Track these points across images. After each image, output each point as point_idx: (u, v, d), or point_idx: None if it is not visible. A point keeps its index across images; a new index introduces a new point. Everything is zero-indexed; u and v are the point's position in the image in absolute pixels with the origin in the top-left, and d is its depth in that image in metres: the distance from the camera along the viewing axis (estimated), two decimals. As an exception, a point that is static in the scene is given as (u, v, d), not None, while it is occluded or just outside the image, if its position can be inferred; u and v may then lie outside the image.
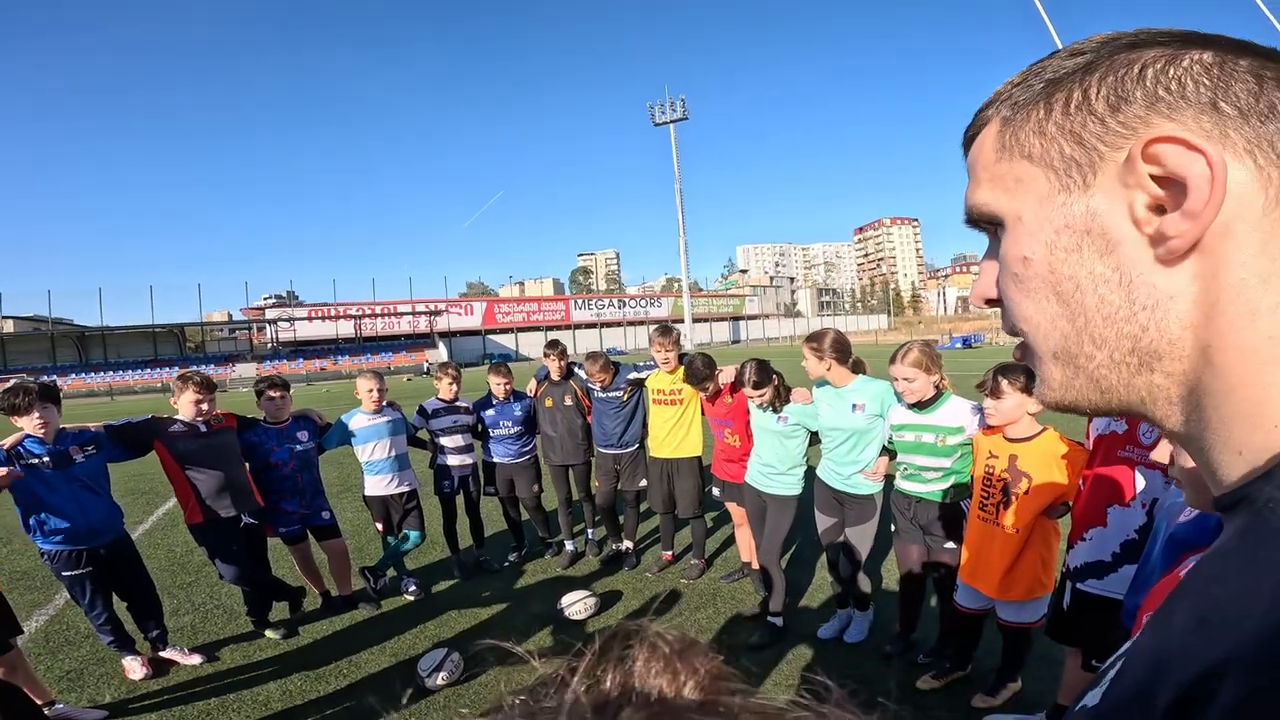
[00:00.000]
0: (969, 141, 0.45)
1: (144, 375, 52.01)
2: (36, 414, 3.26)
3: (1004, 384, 2.67)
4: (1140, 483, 2.29)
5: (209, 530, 3.80)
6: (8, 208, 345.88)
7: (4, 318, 57.29)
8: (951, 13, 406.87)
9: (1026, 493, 2.61)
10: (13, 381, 3.48)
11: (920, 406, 3.14)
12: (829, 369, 3.43)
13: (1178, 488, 1.05)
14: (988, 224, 0.44)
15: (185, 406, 3.78)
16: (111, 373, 51.97)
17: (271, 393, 4.17)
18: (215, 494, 3.79)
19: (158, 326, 58.45)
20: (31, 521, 3.31)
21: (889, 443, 3.38)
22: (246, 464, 4.06)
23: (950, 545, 3.14)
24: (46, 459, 3.31)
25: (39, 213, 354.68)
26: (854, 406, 3.43)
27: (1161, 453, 2.12)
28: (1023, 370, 2.64)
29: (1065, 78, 0.38)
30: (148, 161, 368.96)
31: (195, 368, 4.07)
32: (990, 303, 0.46)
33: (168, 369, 52.05)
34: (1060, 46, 0.41)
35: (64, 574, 3.40)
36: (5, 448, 3.22)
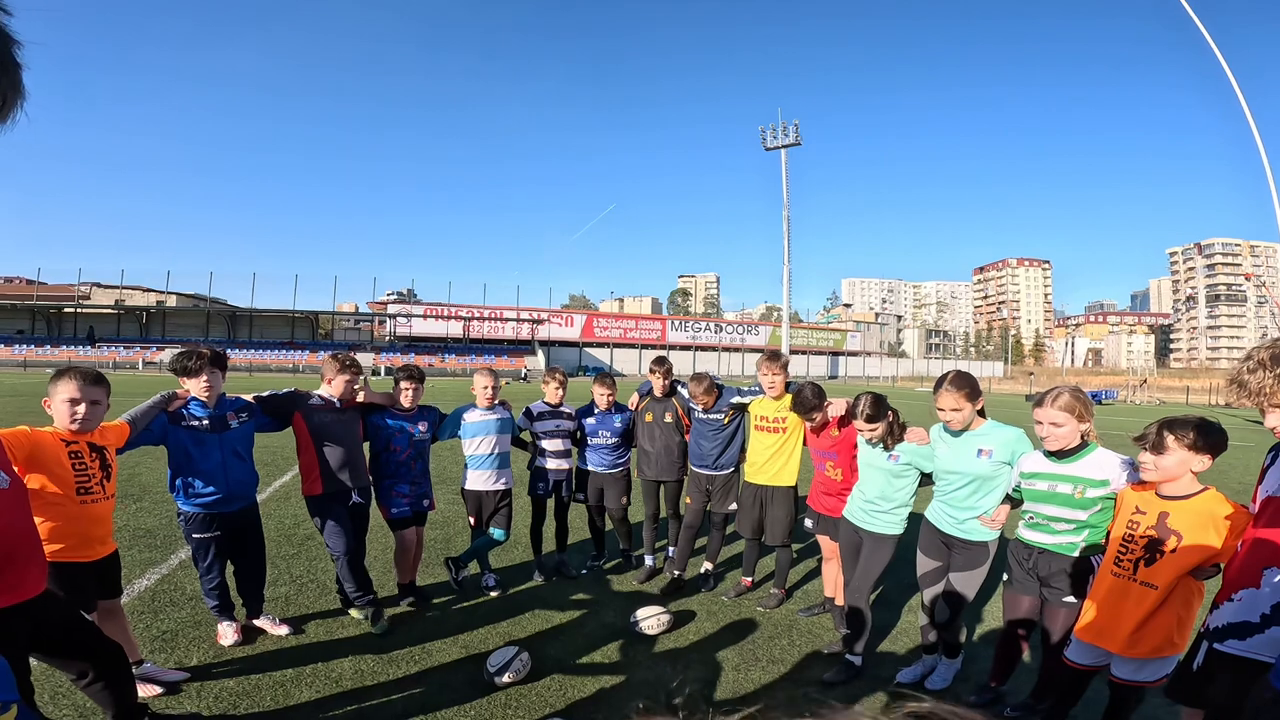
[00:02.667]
0: None
1: (279, 355, 57.18)
2: (204, 377, 3.49)
3: (1169, 439, 2.41)
4: None
5: (326, 501, 3.95)
6: (186, 197, 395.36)
7: (168, 293, 65.05)
8: (1096, 42, 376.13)
9: (1174, 551, 2.40)
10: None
11: (1060, 455, 2.84)
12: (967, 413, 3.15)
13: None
14: None
15: (339, 385, 3.99)
16: (253, 351, 57.52)
17: (406, 384, 4.33)
18: (338, 468, 3.96)
19: (296, 312, 64.17)
20: (179, 482, 3.50)
21: (1014, 490, 3.09)
22: (365, 444, 4.26)
23: (1070, 599, 2.88)
24: (206, 422, 3.53)
25: (211, 202, 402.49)
26: (979, 451, 3.14)
27: None
28: (1193, 425, 2.38)
29: None
30: (303, 159, 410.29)
31: (333, 352, 4.38)
32: None
33: (299, 352, 57.14)
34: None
35: (194, 535, 3.55)
36: (170, 410, 3.46)
